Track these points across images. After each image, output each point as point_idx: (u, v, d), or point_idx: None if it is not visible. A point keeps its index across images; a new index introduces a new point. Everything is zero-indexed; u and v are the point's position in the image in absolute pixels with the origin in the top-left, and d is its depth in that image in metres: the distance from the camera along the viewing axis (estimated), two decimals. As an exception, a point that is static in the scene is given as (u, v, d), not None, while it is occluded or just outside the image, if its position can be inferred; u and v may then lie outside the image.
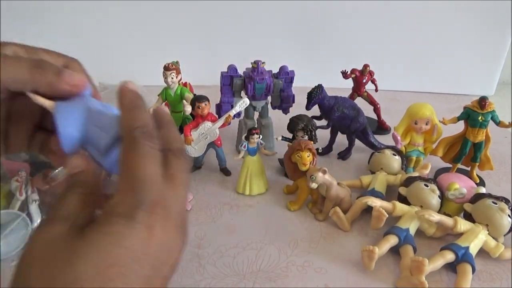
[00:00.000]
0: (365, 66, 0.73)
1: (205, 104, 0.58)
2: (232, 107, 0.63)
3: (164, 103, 0.66)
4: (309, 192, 0.56)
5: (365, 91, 0.76)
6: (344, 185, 0.55)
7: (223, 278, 0.45)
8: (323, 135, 0.68)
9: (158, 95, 0.65)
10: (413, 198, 0.52)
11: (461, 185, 0.52)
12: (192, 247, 0.49)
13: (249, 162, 0.59)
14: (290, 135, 0.62)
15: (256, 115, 0.70)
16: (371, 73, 0.74)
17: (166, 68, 0.62)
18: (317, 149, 0.61)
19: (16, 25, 0.94)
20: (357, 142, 0.69)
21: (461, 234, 0.48)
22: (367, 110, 0.73)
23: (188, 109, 0.63)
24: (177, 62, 0.65)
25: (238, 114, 0.64)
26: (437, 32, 0.92)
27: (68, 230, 0.19)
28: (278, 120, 0.71)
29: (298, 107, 0.66)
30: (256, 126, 0.67)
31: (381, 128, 0.78)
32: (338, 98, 0.66)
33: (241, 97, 0.66)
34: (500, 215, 0.47)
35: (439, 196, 0.52)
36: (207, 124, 0.60)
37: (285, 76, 0.67)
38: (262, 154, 0.61)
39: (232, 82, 0.66)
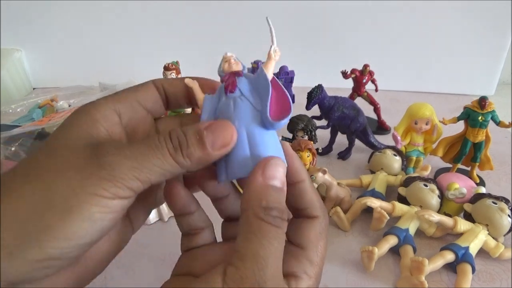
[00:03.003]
0: (365, 66, 0.73)
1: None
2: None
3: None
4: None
5: (365, 91, 0.76)
6: (344, 185, 0.55)
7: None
8: (323, 135, 0.68)
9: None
10: (413, 198, 0.52)
11: (461, 185, 0.52)
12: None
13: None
14: (290, 135, 0.62)
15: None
16: (371, 73, 0.74)
17: (166, 68, 0.62)
18: (317, 149, 0.61)
19: (16, 25, 0.94)
20: (357, 142, 0.69)
21: (461, 234, 0.48)
22: (367, 110, 0.73)
23: (188, 109, 0.63)
24: (177, 62, 0.65)
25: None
26: (437, 32, 0.92)
27: None
28: (278, 120, 0.70)
29: (298, 107, 0.66)
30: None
31: (381, 128, 0.78)
32: (338, 98, 0.66)
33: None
34: (500, 215, 0.47)
35: (438, 196, 0.52)
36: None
37: (285, 76, 0.67)
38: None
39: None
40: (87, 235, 0.18)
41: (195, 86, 0.25)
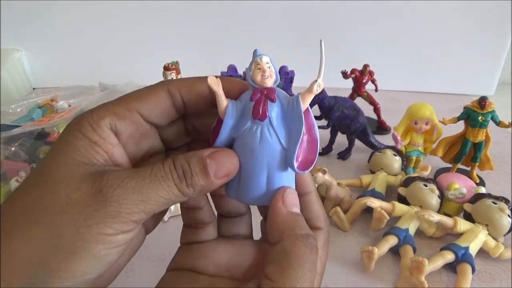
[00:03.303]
0: (365, 66, 0.73)
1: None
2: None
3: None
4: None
5: (365, 91, 0.76)
6: (344, 185, 0.55)
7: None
8: (323, 135, 0.68)
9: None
10: (413, 198, 0.52)
11: (461, 185, 0.52)
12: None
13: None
14: None
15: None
16: (371, 73, 0.74)
17: (166, 68, 0.62)
18: (317, 149, 0.61)
19: (16, 25, 0.94)
20: (357, 142, 0.69)
21: (461, 234, 0.48)
22: (367, 110, 0.73)
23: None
24: (177, 62, 0.65)
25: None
26: (437, 32, 0.92)
27: None
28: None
29: (298, 107, 0.66)
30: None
31: (381, 128, 0.78)
32: (338, 98, 0.66)
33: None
34: (500, 215, 0.47)
35: (438, 196, 0.52)
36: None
37: (285, 76, 0.67)
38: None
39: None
40: (94, 271, 0.18)
41: (219, 90, 0.22)
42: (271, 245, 0.21)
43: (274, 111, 0.21)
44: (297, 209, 0.22)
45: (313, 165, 0.22)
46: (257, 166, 0.22)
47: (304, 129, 0.21)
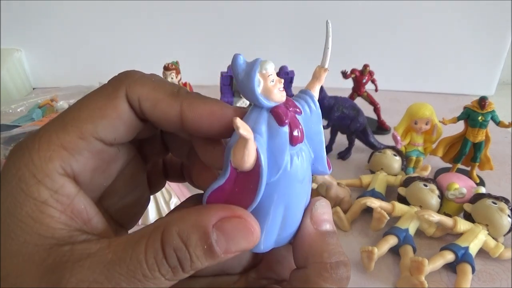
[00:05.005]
0: (365, 66, 0.73)
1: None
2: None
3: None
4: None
5: (365, 91, 0.76)
6: (344, 185, 0.55)
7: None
8: (323, 135, 0.68)
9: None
10: (412, 198, 0.52)
11: (461, 185, 0.52)
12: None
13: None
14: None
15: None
16: (371, 73, 0.74)
17: (166, 68, 0.62)
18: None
19: (16, 25, 0.94)
20: (357, 142, 0.69)
21: (461, 234, 0.48)
22: (367, 110, 0.73)
23: None
24: (176, 62, 0.65)
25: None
26: (437, 32, 0.92)
27: None
28: (278, 120, 0.70)
29: (298, 107, 0.66)
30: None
31: (381, 128, 0.78)
32: (338, 98, 0.66)
33: (241, 97, 0.66)
34: (500, 215, 0.47)
35: (438, 196, 0.52)
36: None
37: (285, 76, 0.67)
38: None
39: (232, 82, 0.66)
40: None
41: (251, 137, 0.15)
42: (296, 268, 0.18)
43: (304, 127, 0.17)
44: (329, 226, 0.18)
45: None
46: (300, 197, 0.17)
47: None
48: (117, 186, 0.19)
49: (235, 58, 0.16)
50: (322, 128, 0.18)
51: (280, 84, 0.16)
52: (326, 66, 0.17)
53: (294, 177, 0.17)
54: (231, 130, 0.16)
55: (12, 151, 0.15)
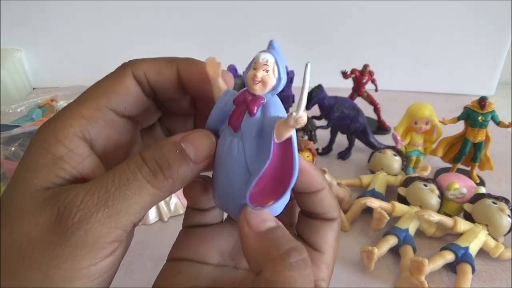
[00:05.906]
0: (365, 66, 0.73)
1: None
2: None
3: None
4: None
5: (365, 91, 0.76)
6: (344, 185, 0.55)
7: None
8: (323, 135, 0.68)
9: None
10: (412, 198, 0.52)
11: (461, 185, 0.52)
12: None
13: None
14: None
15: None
16: (371, 73, 0.74)
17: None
18: (317, 149, 0.61)
19: (16, 25, 0.94)
20: (357, 142, 0.69)
21: (461, 234, 0.48)
22: (367, 110, 0.73)
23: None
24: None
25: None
26: (437, 32, 0.92)
27: None
28: (278, 120, 0.70)
29: (298, 107, 0.66)
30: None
31: (381, 128, 0.78)
32: (338, 98, 0.66)
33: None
34: (500, 215, 0.47)
35: (438, 196, 0.52)
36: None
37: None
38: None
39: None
40: None
41: (217, 77, 0.19)
42: (256, 276, 0.18)
43: (250, 126, 0.18)
44: (269, 223, 0.18)
45: (274, 205, 0.18)
46: (224, 174, 0.19)
47: (269, 161, 0.17)
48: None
49: (270, 41, 0.19)
50: (267, 161, 0.17)
51: (256, 77, 0.17)
52: (301, 113, 0.16)
53: (219, 147, 0.19)
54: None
55: (41, 126, 0.18)
